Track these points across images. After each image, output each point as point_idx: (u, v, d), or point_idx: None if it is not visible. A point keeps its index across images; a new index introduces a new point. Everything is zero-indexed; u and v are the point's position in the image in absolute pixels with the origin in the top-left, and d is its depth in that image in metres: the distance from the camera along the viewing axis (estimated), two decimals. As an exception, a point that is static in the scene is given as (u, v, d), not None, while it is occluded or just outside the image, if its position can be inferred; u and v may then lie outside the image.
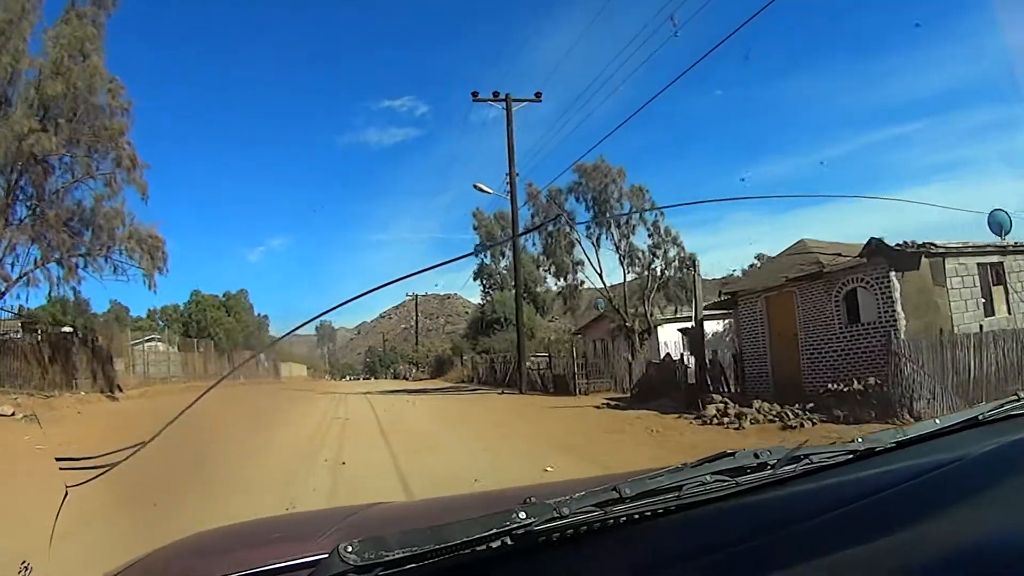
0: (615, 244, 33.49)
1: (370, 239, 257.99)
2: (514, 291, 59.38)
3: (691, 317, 36.52)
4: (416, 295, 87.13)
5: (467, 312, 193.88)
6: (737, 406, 15.70)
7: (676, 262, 33.27)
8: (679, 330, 32.06)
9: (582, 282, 34.83)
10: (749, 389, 19.30)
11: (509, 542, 1.17)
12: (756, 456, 1.48)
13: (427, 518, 1.64)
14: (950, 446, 1.67)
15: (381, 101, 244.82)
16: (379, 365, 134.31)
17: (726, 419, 14.99)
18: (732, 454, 1.49)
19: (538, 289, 60.01)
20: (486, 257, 60.40)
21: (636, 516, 1.31)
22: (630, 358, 29.32)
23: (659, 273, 33.21)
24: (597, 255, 33.38)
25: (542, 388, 32.40)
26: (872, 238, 16.32)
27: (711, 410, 15.71)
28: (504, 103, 34.08)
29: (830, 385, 15.76)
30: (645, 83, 37.03)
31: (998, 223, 17.90)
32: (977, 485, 1.42)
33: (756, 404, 15.49)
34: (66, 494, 1.77)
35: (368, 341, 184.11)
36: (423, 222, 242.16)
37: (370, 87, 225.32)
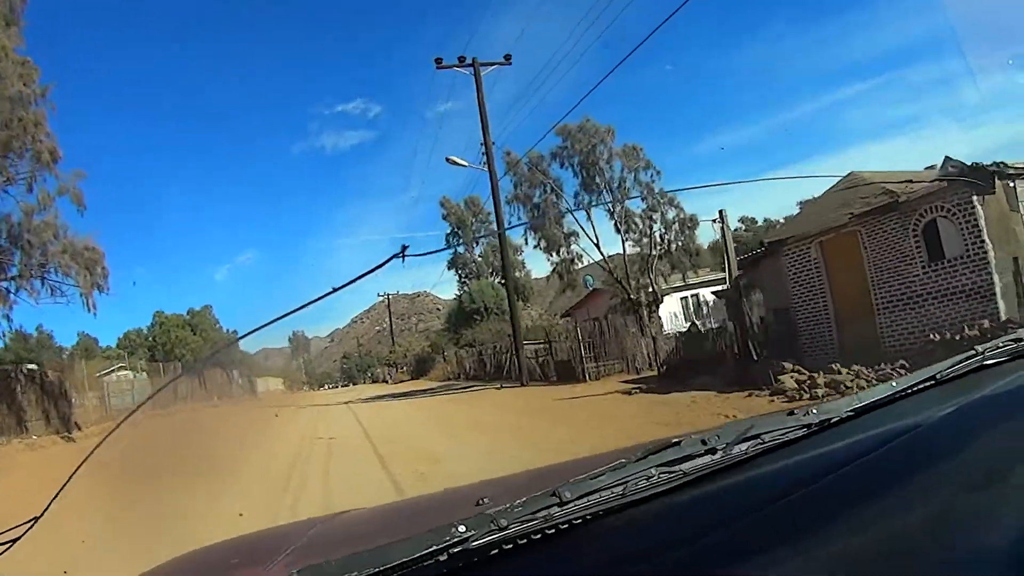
0: (608, 211, 30.36)
1: (336, 244, 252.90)
2: (492, 278, 56.62)
3: (698, 284, 33.98)
4: (388, 295, 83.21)
5: (439, 309, 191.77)
6: (822, 374, 12.47)
7: (676, 225, 30.33)
8: (688, 297, 29.12)
9: (578, 255, 31.35)
10: (809, 354, 15.94)
11: (447, 559, 1.12)
12: (704, 443, 1.38)
13: (388, 528, 1.72)
14: (909, 411, 1.57)
15: (334, 105, 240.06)
16: (356, 371, 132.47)
17: (819, 391, 11.81)
18: (678, 443, 1.39)
19: (517, 275, 56.59)
20: (459, 246, 56.87)
21: (579, 520, 1.22)
22: (639, 334, 26.39)
23: (659, 239, 30.47)
24: (592, 225, 30.21)
25: (543, 377, 29.30)
26: (947, 157, 13.74)
27: (789, 382, 12.52)
28: (471, 68, 30.60)
29: (933, 335, 12.75)
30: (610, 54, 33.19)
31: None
32: (939, 450, 1.40)
33: (854, 368, 12.28)
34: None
35: (343, 347, 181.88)
36: (387, 222, 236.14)
37: (321, 92, 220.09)
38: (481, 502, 1.25)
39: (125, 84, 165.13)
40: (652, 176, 31.01)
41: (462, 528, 1.13)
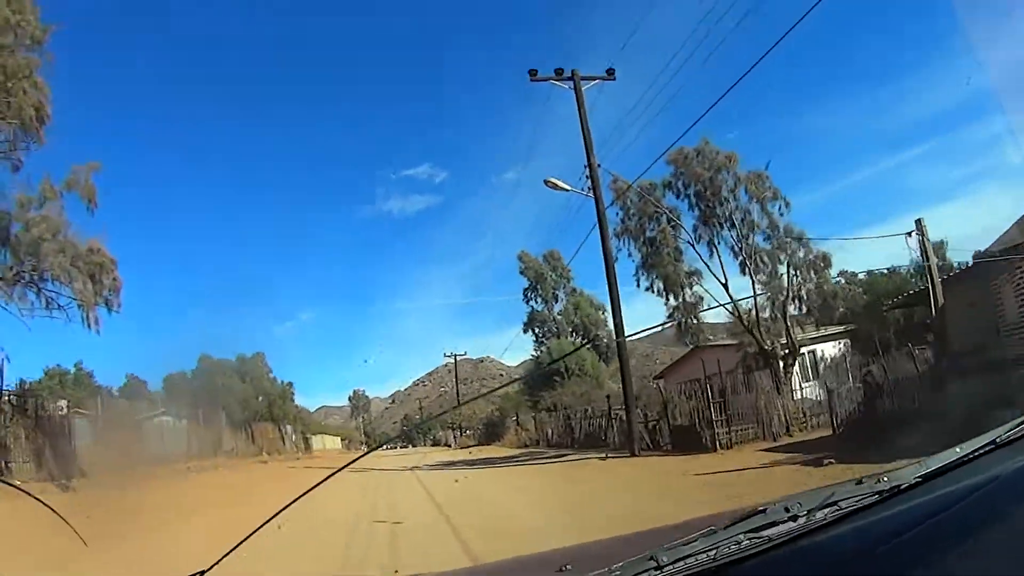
0: (733, 248, 24.76)
1: (397, 307, 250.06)
2: (573, 338, 50.76)
3: (836, 335, 27.96)
4: (455, 355, 77.67)
5: (502, 375, 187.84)
6: None
7: (804, 266, 25.46)
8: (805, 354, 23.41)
9: (700, 298, 25.48)
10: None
11: None
12: (787, 510, 1.46)
13: None
14: (974, 472, 1.64)
15: (400, 170, 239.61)
16: (416, 433, 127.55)
17: None
18: (763, 510, 1.47)
19: (599, 333, 50.53)
20: (538, 304, 51.27)
21: None
22: (774, 392, 22.27)
23: (791, 282, 25.36)
24: (721, 263, 24.56)
25: (654, 445, 23.26)
26: None
27: None
28: (571, 81, 25.45)
29: None
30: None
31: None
32: (1007, 508, 1.44)
33: None
34: None
35: (403, 409, 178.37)
36: (449, 287, 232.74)
37: (388, 156, 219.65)
38: (564, 568, 1.28)
39: (198, 139, 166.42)
40: (780, 208, 25.39)
41: None
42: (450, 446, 74.53)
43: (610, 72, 25.97)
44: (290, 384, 60.03)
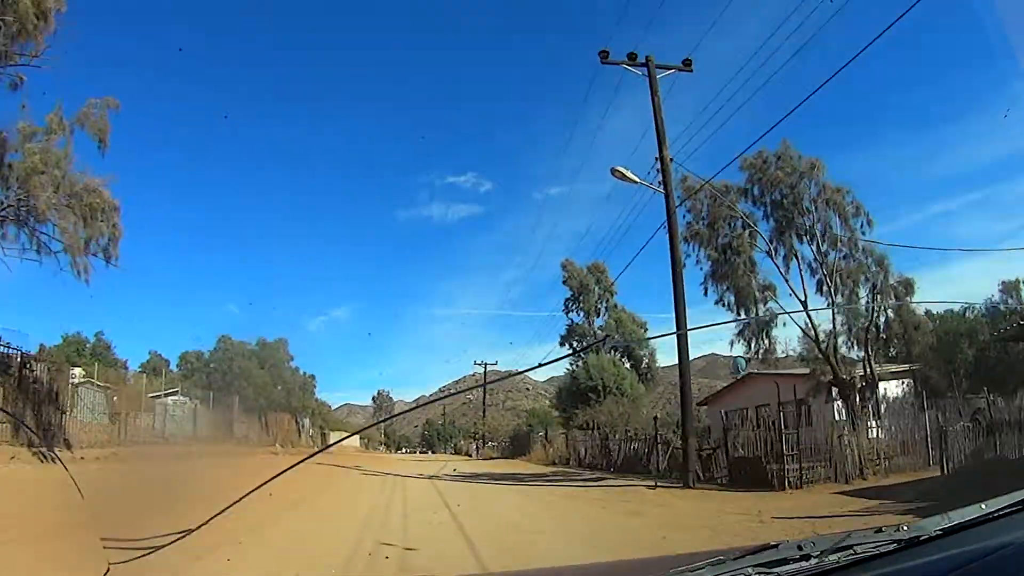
0: (811, 264, 21.93)
1: (432, 313, 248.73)
2: (613, 354, 47.54)
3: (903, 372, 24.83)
4: (485, 363, 74.76)
5: (528, 389, 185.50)
6: None
7: (886, 291, 22.67)
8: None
9: (773, 315, 22.42)
10: None
11: None
12: (800, 548, 1.46)
13: None
14: (997, 531, 1.58)
15: (445, 176, 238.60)
16: (437, 439, 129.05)
17: None
18: (775, 546, 1.51)
19: (641, 353, 47.26)
20: (577, 316, 48.20)
21: None
22: (849, 427, 19.35)
23: (871, 305, 22.91)
24: (802, 278, 21.71)
25: (708, 477, 20.33)
26: None
27: None
28: (645, 68, 22.58)
29: None
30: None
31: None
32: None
33: None
34: (107, 570, 2.11)
35: (427, 414, 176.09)
36: (485, 298, 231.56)
37: (434, 161, 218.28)
38: None
39: (246, 131, 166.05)
40: (862, 226, 22.44)
41: None
42: (471, 456, 71.86)
43: (686, 63, 23.09)
44: (312, 376, 57.48)
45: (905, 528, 1.57)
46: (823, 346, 21.77)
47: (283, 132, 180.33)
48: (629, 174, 21.55)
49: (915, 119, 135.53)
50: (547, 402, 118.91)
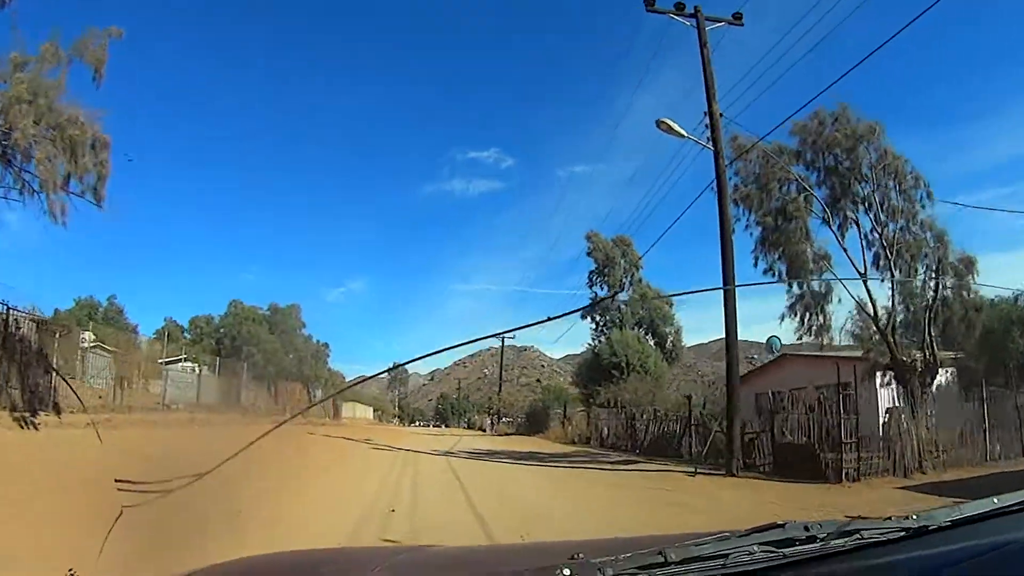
0: (867, 234, 20.20)
1: (450, 287, 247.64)
2: (638, 330, 45.42)
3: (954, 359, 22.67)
4: (503, 336, 72.82)
5: (543, 366, 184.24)
6: None
7: (943, 269, 20.30)
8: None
9: (828, 287, 20.41)
10: None
11: None
12: (806, 528, 1.44)
13: (472, 566, 1.80)
14: (1008, 526, 1.58)
15: (467, 151, 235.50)
16: (451, 413, 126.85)
17: None
18: (781, 525, 1.45)
19: (666, 329, 45.09)
20: (601, 289, 45.94)
21: None
22: (909, 416, 17.36)
23: (932, 282, 20.25)
24: (862, 247, 19.75)
25: (750, 464, 18.34)
26: None
27: None
28: (694, 19, 20.46)
29: None
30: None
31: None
32: None
33: None
34: (120, 512, 2.22)
35: (441, 388, 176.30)
36: (503, 275, 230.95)
37: (457, 136, 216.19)
38: (576, 556, 1.23)
39: (271, 105, 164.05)
40: (922, 198, 20.34)
41: (567, 571, 1.15)
42: (484, 431, 70.20)
43: (737, 16, 20.92)
44: (326, 345, 55.63)
45: (914, 517, 1.53)
46: (880, 324, 19.61)
47: (308, 100, 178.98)
48: (676, 127, 19.39)
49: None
50: (562, 379, 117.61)
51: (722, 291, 17.54)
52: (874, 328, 19.99)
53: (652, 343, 43.71)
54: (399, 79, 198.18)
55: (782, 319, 21.28)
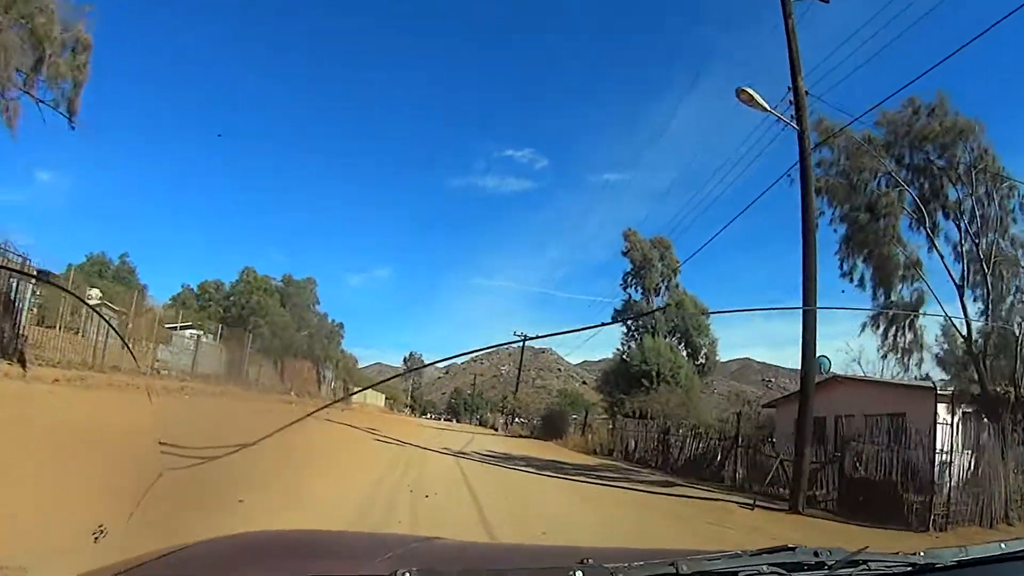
0: (956, 244, 18.00)
1: (472, 283, 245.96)
2: (671, 338, 42.43)
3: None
4: (525, 335, 69.92)
5: (560, 369, 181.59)
6: None
7: None
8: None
9: (919, 298, 17.55)
10: None
11: None
12: (816, 555, 1.45)
13: (484, 560, 1.79)
14: (1012, 571, 1.61)
15: (504, 149, 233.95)
16: (463, 408, 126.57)
17: None
18: (792, 549, 1.47)
19: (700, 341, 42.07)
20: (635, 292, 43.03)
21: None
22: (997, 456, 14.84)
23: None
24: (962, 256, 16.73)
25: (810, 498, 15.36)
26: None
27: None
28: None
29: None
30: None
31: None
32: None
33: None
34: (160, 475, 2.24)
35: (455, 382, 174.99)
36: (527, 274, 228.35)
37: (494, 133, 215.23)
38: (586, 561, 1.23)
39: (309, 92, 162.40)
40: (1016, 207, 18.18)
41: (579, 574, 1.16)
42: (496, 430, 67.46)
43: (823, -9, 17.99)
44: (340, 325, 52.82)
45: (921, 554, 1.55)
46: (976, 349, 16.66)
47: (345, 88, 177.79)
48: (758, 97, 16.43)
49: None
50: (577, 385, 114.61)
51: (804, 294, 14.72)
52: (964, 352, 17.06)
53: (684, 354, 40.70)
54: (440, 73, 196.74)
55: (862, 329, 18.33)
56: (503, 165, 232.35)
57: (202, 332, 35.00)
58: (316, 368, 45.61)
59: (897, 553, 1.57)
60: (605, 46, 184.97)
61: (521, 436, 51.15)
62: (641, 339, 40.17)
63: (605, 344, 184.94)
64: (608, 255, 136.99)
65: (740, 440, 20.63)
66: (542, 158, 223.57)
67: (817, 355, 27.22)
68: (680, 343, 41.03)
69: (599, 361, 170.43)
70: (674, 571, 1.24)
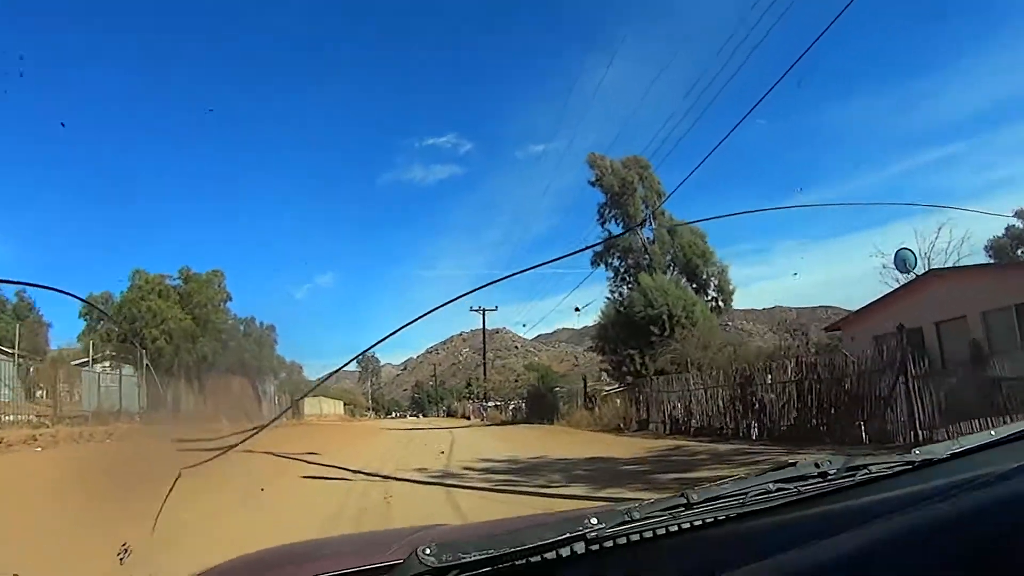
0: None
1: (416, 275, 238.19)
2: (671, 272, 33.86)
3: None
4: (483, 309, 61.09)
5: (517, 347, 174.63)
6: None
7: None
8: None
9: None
10: None
11: (583, 546, 1.16)
12: (817, 466, 1.46)
13: (496, 538, 1.43)
14: (1006, 457, 1.50)
15: (424, 138, 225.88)
16: (427, 402, 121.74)
17: None
18: (794, 464, 1.48)
19: (707, 271, 33.51)
20: (617, 225, 34.12)
21: (700, 523, 1.28)
22: None
23: None
24: None
25: None
26: None
27: None
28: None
29: None
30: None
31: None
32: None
33: None
34: (179, 475, 2.18)
35: (416, 376, 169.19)
36: (468, 258, 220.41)
37: (413, 124, 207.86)
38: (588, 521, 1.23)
39: (220, 103, 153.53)
40: None
41: (595, 520, 1.16)
42: (469, 419, 58.95)
43: None
44: (271, 328, 42.28)
45: (917, 452, 1.52)
46: None
47: (256, 107, 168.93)
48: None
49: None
50: (537, 359, 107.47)
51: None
52: None
53: (692, 286, 32.08)
54: (346, 73, 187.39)
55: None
56: (427, 154, 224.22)
57: (107, 363, 26.28)
58: (252, 384, 35.85)
59: (894, 454, 1.53)
60: (504, 19, 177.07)
61: (504, 423, 42.29)
62: (636, 280, 31.39)
63: (561, 316, 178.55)
64: (549, 226, 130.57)
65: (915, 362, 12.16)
66: (465, 141, 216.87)
67: (899, 248, 21.92)
68: (683, 278, 32.33)
69: (553, 333, 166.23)
70: (685, 501, 1.25)
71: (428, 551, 1.04)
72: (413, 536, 1.62)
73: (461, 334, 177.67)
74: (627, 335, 29.18)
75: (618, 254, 33.52)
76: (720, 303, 33.11)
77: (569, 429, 27.43)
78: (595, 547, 1.15)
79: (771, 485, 1.35)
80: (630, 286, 32.29)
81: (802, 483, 1.38)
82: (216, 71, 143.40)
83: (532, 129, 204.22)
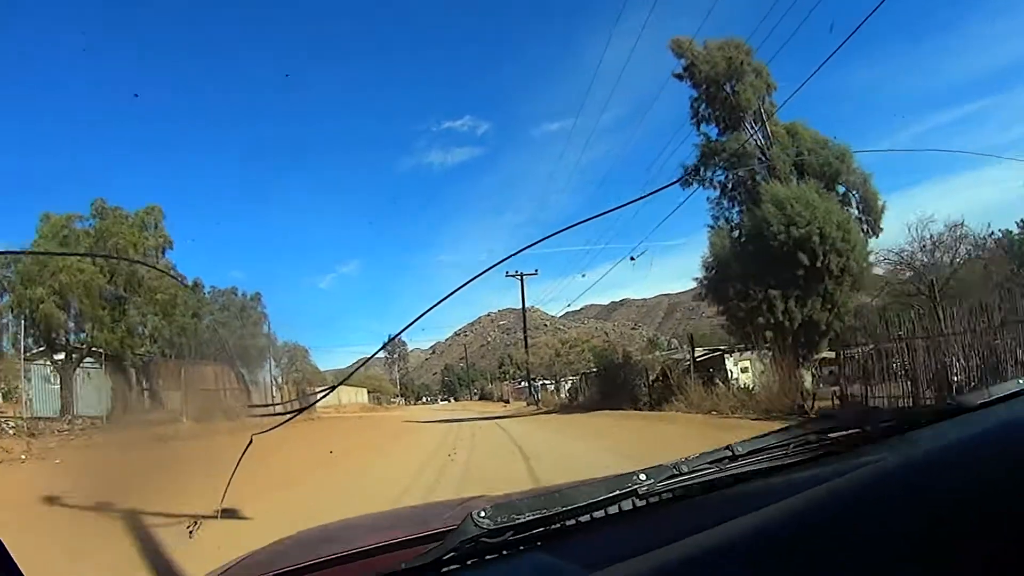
0: None
1: (438, 260, 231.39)
2: (796, 180, 23.39)
3: None
4: (521, 274, 51.51)
5: (546, 325, 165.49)
6: None
7: None
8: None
9: None
10: None
11: (636, 502, 1.17)
12: (858, 418, 1.46)
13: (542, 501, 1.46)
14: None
15: (442, 122, 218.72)
16: (459, 384, 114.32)
17: None
18: (832, 415, 1.49)
19: (850, 179, 22.44)
20: (711, 126, 23.31)
21: (746, 473, 1.27)
22: None
23: None
24: None
25: None
26: None
27: None
28: None
29: None
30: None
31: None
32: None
33: None
34: (250, 441, 2.16)
35: (444, 360, 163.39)
36: (491, 242, 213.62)
37: (429, 108, 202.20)
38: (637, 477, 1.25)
39: (247, 91, 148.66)
40: None
41: (643, 476, 1.17)
42: (508, 402, 48.91)
43: None
44: (256, 296, 31.50)
45: (950, 402, 1.47)
46: None
47: (271, 96, 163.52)
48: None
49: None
50: (566, 335, 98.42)
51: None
52: None
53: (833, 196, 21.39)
54: (362, 59, 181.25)
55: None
56: (445, 137, 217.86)
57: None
58: (235, 370, 25.68)
59: (933, 406, 1.51)
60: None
61: (561, 410, 32.12)
62: (754, 195, 20.90)
63: (587, 293, 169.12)
64: (570, 204, 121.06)
65: None
66: (483, 122, 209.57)
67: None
68: (824, 186, 21.57)
69: (581, 310, 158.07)
70: (730, 453, 1.26)
71: (483, 513, 1.03)
72: (465, 503, 1.70)
73: (489, 315, 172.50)
74: (760, 271, 18.81)
75: (722, 161, 22.74)
76: (866, 225, 22.34)
77: (689, 416, 17.32)
78: (643, 503, 1.14)
79: (812, 436, 1.35)
80: (744, 205, 21.79)
81: (840, 432, 1.37)
82: (230, 65, 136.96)
83: (548, 107, 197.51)
